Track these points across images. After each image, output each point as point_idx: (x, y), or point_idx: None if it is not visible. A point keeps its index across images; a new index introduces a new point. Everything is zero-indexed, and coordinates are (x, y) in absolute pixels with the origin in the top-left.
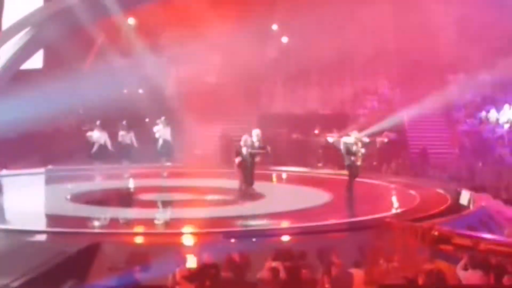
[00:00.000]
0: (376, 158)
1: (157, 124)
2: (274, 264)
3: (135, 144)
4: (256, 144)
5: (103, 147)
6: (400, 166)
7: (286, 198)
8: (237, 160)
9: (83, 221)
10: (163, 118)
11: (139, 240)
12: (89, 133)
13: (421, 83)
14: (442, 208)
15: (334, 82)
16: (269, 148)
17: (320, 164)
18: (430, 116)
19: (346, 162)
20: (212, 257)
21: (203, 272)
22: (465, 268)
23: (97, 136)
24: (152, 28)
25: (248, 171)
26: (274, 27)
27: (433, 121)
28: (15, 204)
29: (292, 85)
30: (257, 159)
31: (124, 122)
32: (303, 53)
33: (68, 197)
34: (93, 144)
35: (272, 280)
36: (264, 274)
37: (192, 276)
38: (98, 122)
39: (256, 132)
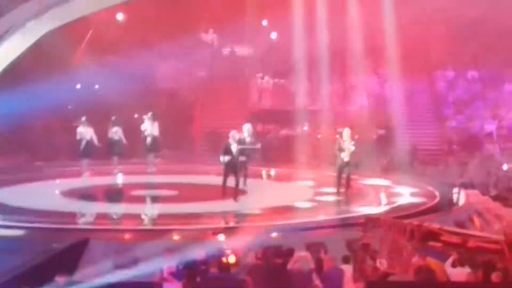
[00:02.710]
0: (366, 155)
1: (144, 120)
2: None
3: (123, 140)
4: (248, 139)
5: (90, 143)
6: (388, 162)
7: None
8: (226, 158)
9: (72, 217)
10: (150, 113)
11: (127, 236)
12: (79, 129)
13: (410, 80)
14: (431, 204)
15: (323, 78)
16: (259, 144)
17: (313, 161)
18: (419, 113)
19: (338, 161)
20: (201, 254)
21: (192, 268)
22: (454, 265)
23: (83, 132)
24: (141, 23)
25: (238, 169)
26: (264, 22)
27: (422, 118)
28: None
29: (281, 81)
30: (248, 155)
31: (113, 118)
32: (292, 49)
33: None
34: (80, 140)
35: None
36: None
37: (180, 272)
38: (83, 118)
39: (247, 127)
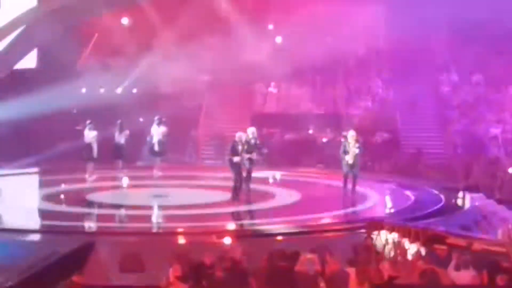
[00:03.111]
0: (370, 158)
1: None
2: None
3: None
4: (252, 141)
5: (95, 146)
6: (393, 165)
7: None
8: (235, 159)
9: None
10: (156, 118)
11: (133, 239)
12: (92, 134)
13: (414, 83)
14: (435, 208)
15: (328, 82)
16: (265, 149)
17: (320, 165)
18: (423, 116)
19: (345, 163)
20: (206, 257)
21: (197, 272)
22: (457, 268)
23: (89, 135)
24: (146, 27)
25: (244, 169)
26: (270, 27)
27: (426, 121)
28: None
29: (285, 85)
30: (254, 157)
31: (119, 122)
32: (297, 53)
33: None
34: (85, 143)
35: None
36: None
37: (185, 276)
38: (89, 122)
39: (251, 130)
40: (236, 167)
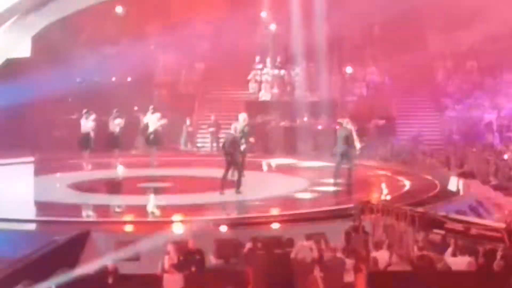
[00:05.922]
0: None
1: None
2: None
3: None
4: (246, 129)
5: (91, 135)
6: (388, 152)
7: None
8: (242, 147)
9: (74, 209)
10: (151, 106)
11: (128, 228)
12: (82, 122)
13: (409, 70)
14: (431, 194)
15: (323, 69)
16: (252, 139)
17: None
18: (419, 103)
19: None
20: (202, 245)
21: (193, 260)
22: (454, 254)
23: (86, 124)
24: (140, 15)
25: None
26: (263, 14)
27: (422, 108)
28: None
29: (280, 72)
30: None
31: (115, 111)
32: (291, 40)
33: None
34: (82, 132)
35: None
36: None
37: (180, 264)
38: (85, 111)
39: (243, 117)
40: (231, 158)
